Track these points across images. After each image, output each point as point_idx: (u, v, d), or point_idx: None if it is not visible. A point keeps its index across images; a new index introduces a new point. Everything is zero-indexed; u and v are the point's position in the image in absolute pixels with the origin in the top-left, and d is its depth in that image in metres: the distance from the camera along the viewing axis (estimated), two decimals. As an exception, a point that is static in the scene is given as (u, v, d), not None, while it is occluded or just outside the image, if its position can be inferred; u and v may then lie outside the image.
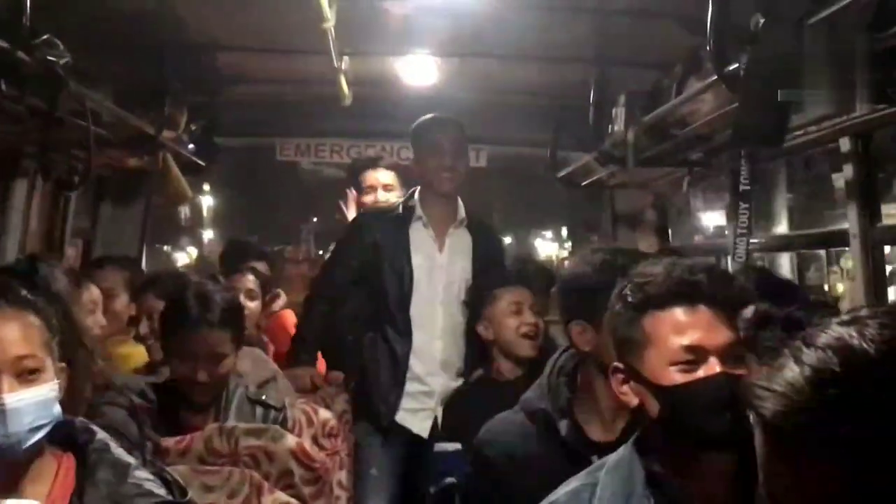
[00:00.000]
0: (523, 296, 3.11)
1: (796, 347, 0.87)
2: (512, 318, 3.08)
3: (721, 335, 1.56)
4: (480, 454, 2.28)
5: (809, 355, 0.85)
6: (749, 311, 1.68)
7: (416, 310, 3.37)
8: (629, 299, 1.64)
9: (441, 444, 2.96)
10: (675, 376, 1.57)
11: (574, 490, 1.68)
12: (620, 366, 1.67)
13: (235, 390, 2.56)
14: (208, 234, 7.94)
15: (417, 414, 3.34)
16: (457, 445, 2.83)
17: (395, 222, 3.45)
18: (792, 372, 0.85)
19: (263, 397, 2.60)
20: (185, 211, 7.67)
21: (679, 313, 1.59)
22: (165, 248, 8.35)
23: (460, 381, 3.31)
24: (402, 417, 3.33)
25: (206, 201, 8.15)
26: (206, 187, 7.86)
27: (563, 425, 2.10)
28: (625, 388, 1.67)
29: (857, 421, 0.79)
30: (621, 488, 1.64)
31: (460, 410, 3.03)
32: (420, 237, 3.43)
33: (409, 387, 3.34)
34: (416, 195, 3.49)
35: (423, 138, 3.47)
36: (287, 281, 4.70)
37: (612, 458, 1.72)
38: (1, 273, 2.11)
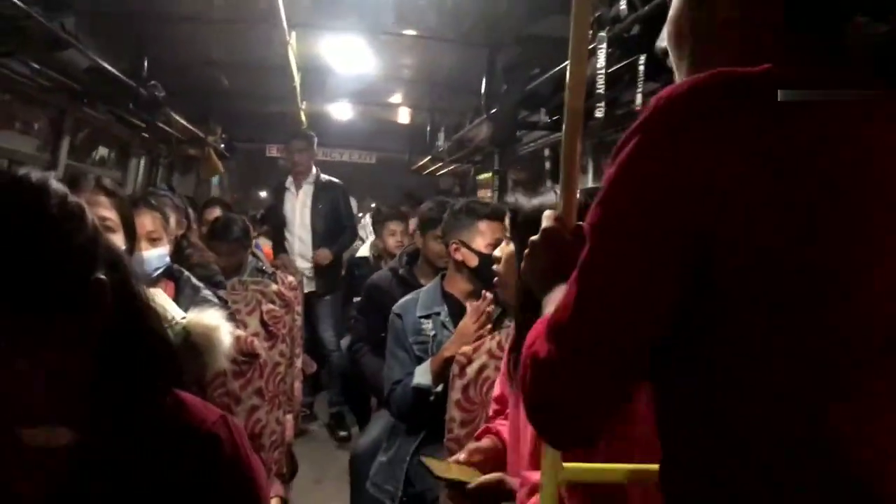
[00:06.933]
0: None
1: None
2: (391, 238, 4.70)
3: (503, 232, 2.24)
4: (368, 292, 3.31)
5: None
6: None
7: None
8: (469, 212, 2.53)
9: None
10: (487, 251, 2.48)
11: (405, 301, 2.66)
12: (457, 242, 2.55)
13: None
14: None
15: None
16: None
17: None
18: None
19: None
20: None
21: (492, 223, 2.51)
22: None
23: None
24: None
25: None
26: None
27: (401, 270, 3.27)
28: (457, 253, 2.55)
29: None
30: (429, 300, 2.61)
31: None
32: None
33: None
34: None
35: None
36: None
37: (425, 287, 2.72)
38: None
